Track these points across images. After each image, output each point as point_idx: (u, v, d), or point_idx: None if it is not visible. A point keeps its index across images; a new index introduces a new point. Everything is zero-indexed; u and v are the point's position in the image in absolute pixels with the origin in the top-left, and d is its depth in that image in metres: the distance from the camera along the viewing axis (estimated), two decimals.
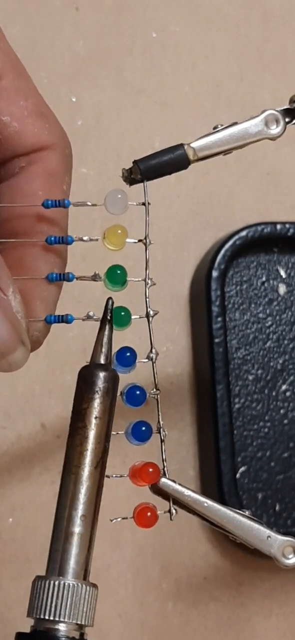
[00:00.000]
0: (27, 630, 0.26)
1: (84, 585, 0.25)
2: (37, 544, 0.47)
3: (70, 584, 0.25)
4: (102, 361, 0.28)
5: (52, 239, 0.28)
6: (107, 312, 0.28)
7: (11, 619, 0.46)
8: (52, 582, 0.25)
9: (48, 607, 0.25)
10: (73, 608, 0.25)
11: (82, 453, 0.26)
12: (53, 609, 0.25)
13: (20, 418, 0.48)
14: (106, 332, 0.28)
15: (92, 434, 0.26)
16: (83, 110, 0.52)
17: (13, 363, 0.27)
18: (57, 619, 0.25)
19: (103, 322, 0.28)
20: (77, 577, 0.26)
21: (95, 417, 0.27)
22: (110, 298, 0.28)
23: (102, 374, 0.27)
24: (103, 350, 0.28)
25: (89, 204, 0.28)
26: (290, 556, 0.28)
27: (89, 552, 0.26)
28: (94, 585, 0.26)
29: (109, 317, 0.28)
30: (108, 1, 0.54)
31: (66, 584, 0.25)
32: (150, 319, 0.29)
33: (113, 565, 0.47)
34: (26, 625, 0.47)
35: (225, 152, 0.30)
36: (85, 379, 0.27)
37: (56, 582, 0.25)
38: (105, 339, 0.28)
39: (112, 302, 0.28)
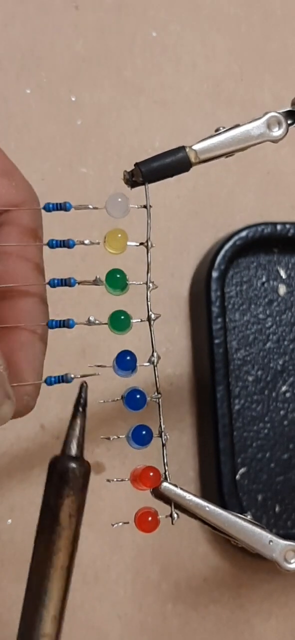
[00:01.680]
0: None
1: None
2: None
3: None
4: (75, 453, 0.26)
5: (54, 242, 0.28)
6: (80, 399, 0.26)
7: (10, 620, 0.46)
8: None
9: None
10: None
11: (55, 553, 0.25)
12: None
13: (20, 419, 0.47)
14: (79, 421, 0.26)
15: (65, 534, 0.25)
16: (83, 110, 0.52)
17: (0, 418, 0.26)
18: None
19: (75, 410, 0.26)
20: None
21: (70, 516, 0.25)
22: (83, 383, 0.27)
23: (77, 469, 0.25)
24: (76, 440, 0.26)
25: (91, 207, 0.28)
26: (292, 561, 0.28)
27: None
28: None
29: (81, 407, 0.27)
30: (108, 0, 0.53)
31: None
32: (152, 322, 0.29)
33: (112, 567, 0.47)
34: None
35: (227, 154, 0.29)
36: (59, 472, 0.25)
37: None
38: (78, 429, 0.26)
39: (86, 388, 0.27)
